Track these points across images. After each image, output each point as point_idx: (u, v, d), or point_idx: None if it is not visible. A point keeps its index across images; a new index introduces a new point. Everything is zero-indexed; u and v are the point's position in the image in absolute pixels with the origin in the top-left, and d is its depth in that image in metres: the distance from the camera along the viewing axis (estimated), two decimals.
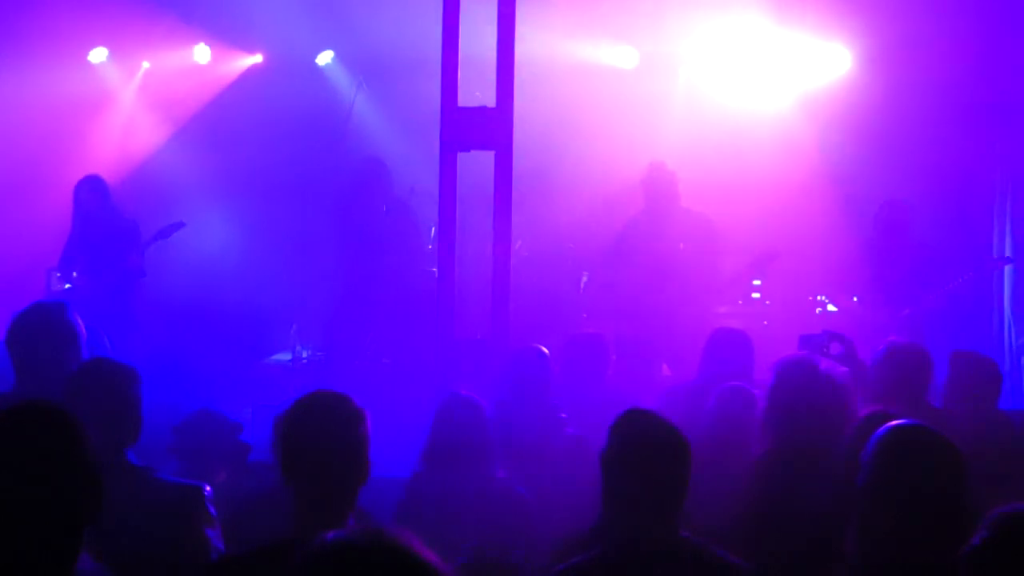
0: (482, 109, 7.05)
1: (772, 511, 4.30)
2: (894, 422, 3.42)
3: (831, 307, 10.32)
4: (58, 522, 2.73)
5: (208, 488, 4.03)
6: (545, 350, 6.67)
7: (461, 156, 7.15)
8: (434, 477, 5.21)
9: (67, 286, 9.66)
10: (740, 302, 10.77)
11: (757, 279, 10.52)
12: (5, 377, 5.10)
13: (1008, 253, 10.61)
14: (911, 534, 3.22)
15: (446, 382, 6.80)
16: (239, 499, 4.74)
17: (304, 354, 10.03)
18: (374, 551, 2.03)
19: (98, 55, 11.75)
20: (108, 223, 9.61)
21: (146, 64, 11.95)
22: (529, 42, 8.27)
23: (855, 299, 9.70)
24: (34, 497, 2.71)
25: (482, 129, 6.97)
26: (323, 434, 3.40)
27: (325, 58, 11.92)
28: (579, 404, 6.64)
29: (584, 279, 10.84)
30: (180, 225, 9.82)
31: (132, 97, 11.97)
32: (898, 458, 3.29)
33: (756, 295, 10.94)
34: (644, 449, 3.55)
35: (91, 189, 9.74)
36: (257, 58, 12.09)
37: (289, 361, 10.06)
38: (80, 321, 5.07)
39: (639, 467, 3.53)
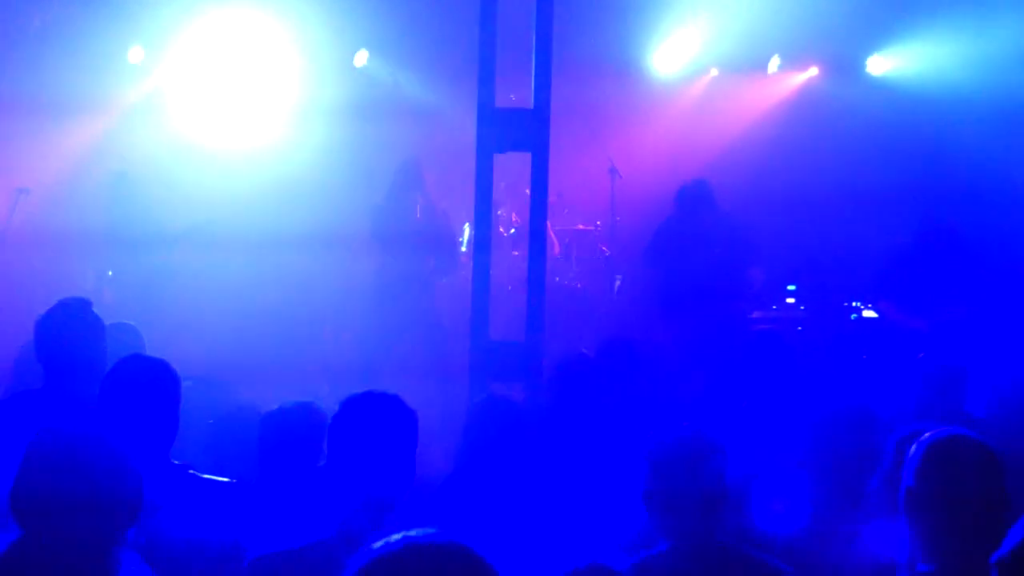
0: (519, 110, 7.03)
1: None
2: (936, 430, 3.39)
3: (867, 313, 10.25)
4: (97, 520, 2.72)
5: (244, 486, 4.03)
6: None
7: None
8: (469, 479, 5.18)
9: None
10: (774, 307, 10.72)
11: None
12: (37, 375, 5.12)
13: None
14: (954, 539, 3.20)
15: (481, 385, 6.77)
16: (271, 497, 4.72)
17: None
18: (441, 553, 2.02)
19: (136, 55, 11.77)
20: (142, 221, 9.69)
21: (181, 62, 11.93)
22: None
23: (890, 305, 9.64)
24: (75, 496, 2.71)
25: (519, 130, 6.94)
26: (371, 434, 3.39)
27: (361, 58, 11.91)
28: (611, 409, 6.61)
29: (617, 283, 10.82)
30: (209, 223, 9.88)
31: (168, 96, 11.96)
32: (940, 464, 3.26)
33: (791, 300, 10.89)
34: (685, 455, 3.56)
35: (126, 186, 9.81)
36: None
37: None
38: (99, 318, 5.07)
39: (681, 472, 3.54)
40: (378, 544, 2.02)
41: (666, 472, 3.62)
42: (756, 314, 10.11)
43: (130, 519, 2.79)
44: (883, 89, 11.51)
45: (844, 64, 11.64)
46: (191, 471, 4.04)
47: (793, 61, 11.72)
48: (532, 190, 7.11)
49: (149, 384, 4.09)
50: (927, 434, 3.35)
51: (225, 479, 4.11)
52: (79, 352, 4.82)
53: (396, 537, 2.03)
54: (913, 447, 3.36)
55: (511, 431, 5.39)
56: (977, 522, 3.20)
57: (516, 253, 10.32)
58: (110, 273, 9.76)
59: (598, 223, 11.03)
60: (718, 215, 9.35)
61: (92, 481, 2.75)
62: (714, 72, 11.80)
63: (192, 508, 3.82)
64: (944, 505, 3.22)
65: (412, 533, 2.04)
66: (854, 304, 10.69)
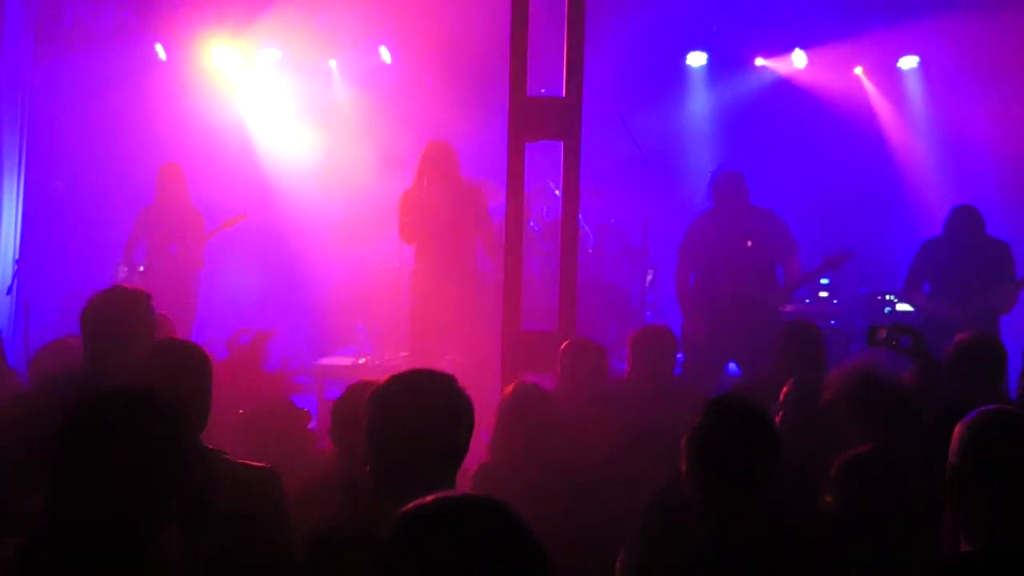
0: (551, 99, 6.98)
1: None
2: (981, 408, 3.30)
3: (900, 306, 10.15)
4: (138, 492, 2.69)
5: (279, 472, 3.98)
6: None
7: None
8: (504, 466, 5.14)
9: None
10: (807, 301, 10.63)
11: (826, 278, 10.40)
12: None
13: None
14: (1000, 519, 3.12)
15: (511, 375, 6.72)
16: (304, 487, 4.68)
17: (362, 361, 9.82)
18: (485, 513, 1.97)
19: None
20: (180, 212, 9.73)
21: (211, 58, 11.91)
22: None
23: (925, 298, 9.53)
24: (120, 468, 2.68)
25: (551, 119, 6.88)
26: (418, 410, 3.23)
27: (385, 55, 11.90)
28: (647, 399, 6.54)
29: (649, 278, 10.75)
30: (241, 217, 9.92)
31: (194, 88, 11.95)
32: (984, 439, 3.18)
33: (824, 294, 10.80)
34: (735, 431, 3.40)
35: (173, 176, 9.84)
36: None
37: (352, 359, 9.96)
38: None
39: (729, 449, 3.37)
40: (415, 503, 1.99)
41: (712, 441, 3.43)
42: (789, 308, 10.02)
43: (168, 496, 2.75)
44: (912, 83, 11.45)
45: (879, 61, 11.56)
46: (226, 456, 4.00)
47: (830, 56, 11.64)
48: (564, 180, 7.04)
49: (181, 368, 4.03)
50: (976, 411, 3.26)
51: (263, 465, 4.06)
52: (125, 339, 4.67)
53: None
54: (962, 424, 3.27)
55: (543, 420, 5.34)
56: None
57: (547, 248, 10.25)
58: (140, 268, 9.77)
59: (628, 216, 10.98)
60: (753, 207, 9.23)
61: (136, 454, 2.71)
62: (759, 60, 11.77)
63: (232, 494, 3.78)
64: (990, 483, 3.13)
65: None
66: (888, 297, 10.60)
